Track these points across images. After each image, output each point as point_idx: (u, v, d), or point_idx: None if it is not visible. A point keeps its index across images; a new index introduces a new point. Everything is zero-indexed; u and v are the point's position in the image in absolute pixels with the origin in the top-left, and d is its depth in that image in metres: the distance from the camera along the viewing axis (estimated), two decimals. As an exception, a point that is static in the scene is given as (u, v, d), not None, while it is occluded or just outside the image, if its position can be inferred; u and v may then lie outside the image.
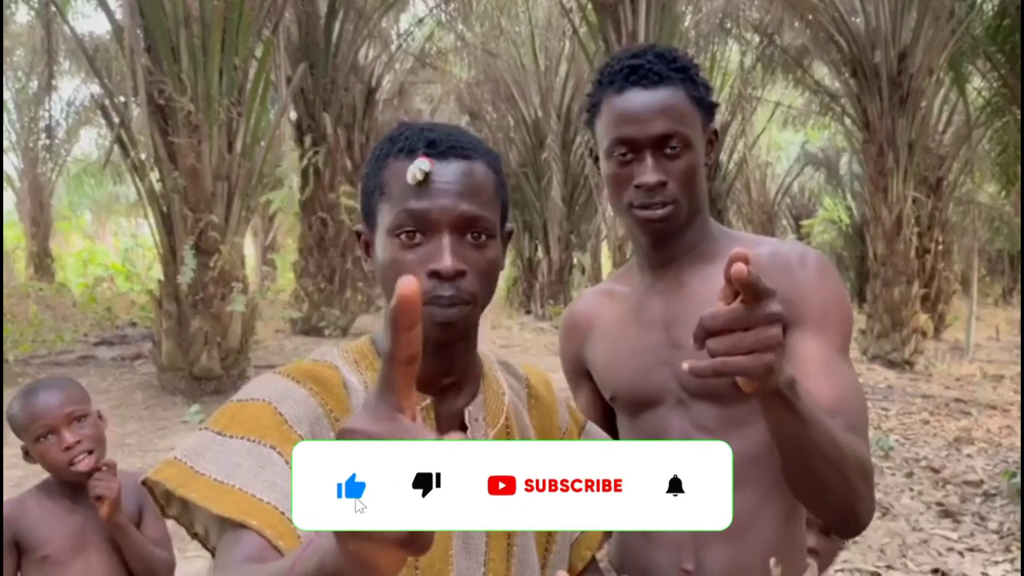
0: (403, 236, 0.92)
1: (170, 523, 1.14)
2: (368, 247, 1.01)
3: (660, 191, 1.19)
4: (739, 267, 0.77)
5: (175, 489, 0.85)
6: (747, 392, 0.93)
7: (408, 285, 0.52)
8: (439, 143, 0.94)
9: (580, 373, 1.42)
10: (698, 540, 1.22)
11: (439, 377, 1.01)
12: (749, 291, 0.80)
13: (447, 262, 0.90)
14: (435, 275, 0.90)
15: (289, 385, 0.94)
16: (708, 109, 1.25)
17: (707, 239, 1.28)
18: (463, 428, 1.02)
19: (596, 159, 1.31)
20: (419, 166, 0.91)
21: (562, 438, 1.14)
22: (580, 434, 1.18)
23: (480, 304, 0.95)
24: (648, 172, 1.19)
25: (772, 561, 1.20)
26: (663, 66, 1.20)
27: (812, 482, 1.03)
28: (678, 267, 1.28)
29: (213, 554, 0.89)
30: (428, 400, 1.00)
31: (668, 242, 1.26)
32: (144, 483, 0.89)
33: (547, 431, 1.12)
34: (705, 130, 1.25)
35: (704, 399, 1.23)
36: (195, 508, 0.86)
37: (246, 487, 0.84)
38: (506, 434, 1.05)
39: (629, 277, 1.39)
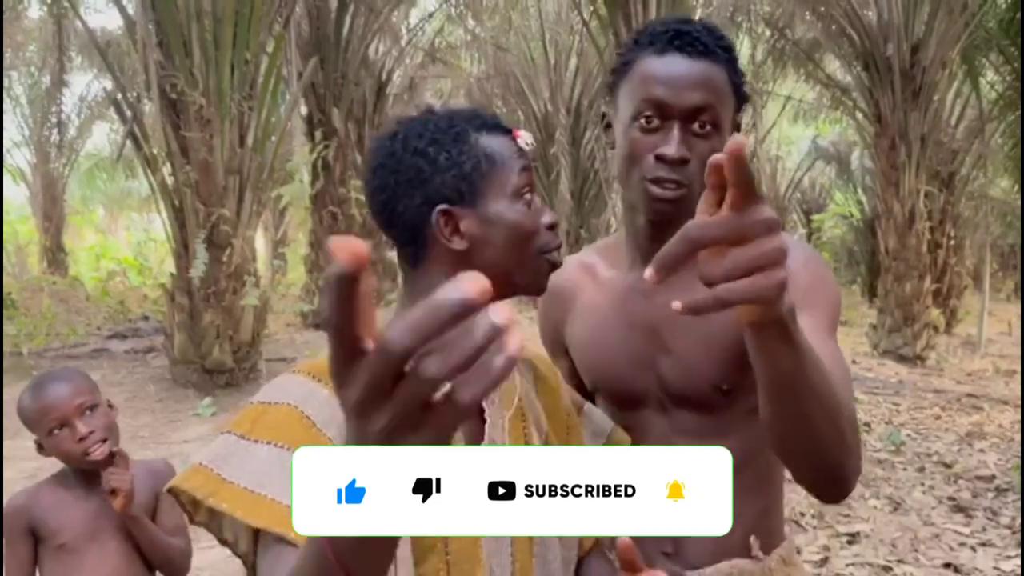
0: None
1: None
2: (456, 223, 0.97)
3: (680, 169, 1.11)
4: (738, 141, 0.62)
5: (205, 498, 0.83)
6: (746, 323, 0.78)
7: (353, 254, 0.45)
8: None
9: (559, 347, 1.38)
10: None
11: None
12: (740, 188, 0.64)
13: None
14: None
15: (311, 386, 0.92)
16: (741, 98, 1.18)
17: None
18: (481, 411, 1.02)
19: (608, 126, 1.23)
20: (526, 139, 1.02)
21: (568, 418, 1.15)
22: (580, 414, 1.19)
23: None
24: (673, 143, 1.10)
25: (752, 538, 1.23)
26: (711, 39, 1.13)
27: (804, 431, 0.89)
28: None
29: (244, 560, 0.88)
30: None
31: (667, 230, 1.18)
32: (170, 491, 0.88)
33: (555, 411, 1.13)
34: (735, 117, 1.18)
35: (686, 407, 1.21)
36: (225, 516, 0.84)
37: (279, 497, 0.82)
38: (520, 416, 1.06)
39: (616, 257, 1.30)
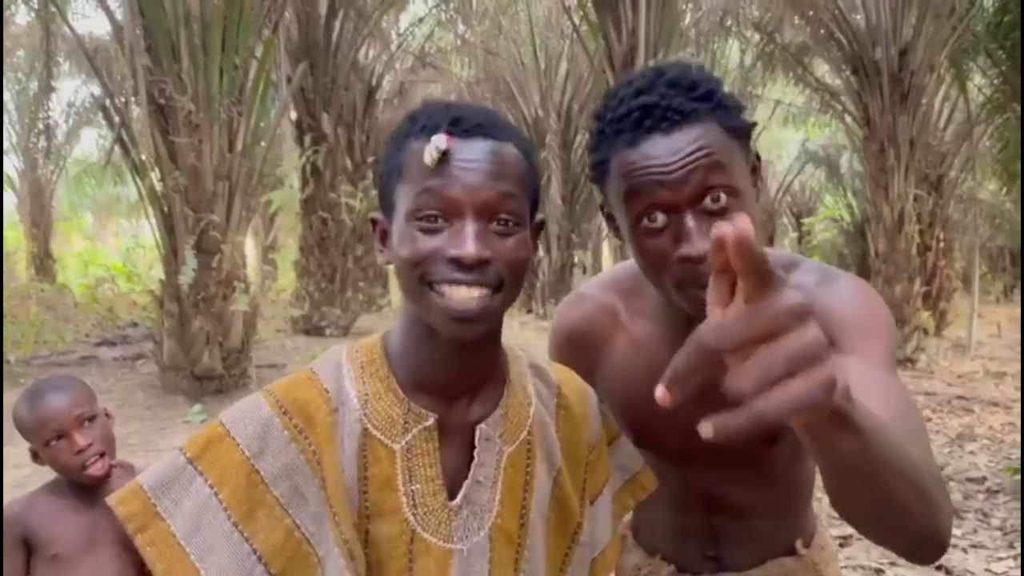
0: (423, 220, 0.83)
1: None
2: (384, 236, 0.92)
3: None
4: (741, 227, 0.49)
5: (134, 533, 0.83)
6: (794, 423, 0.64)
7: None
8: (465, 121, 0.85)
9: None
10: (719, 535, 1.25)
11: (454, 383, 0.93)
12: (752, 276, 0.51)
13: (470, 248, 0.81)
14: (456, 262, 0.81)
15: (274, 423, 0.87)
16: (747, 135, 0.98)
17: None
18: (471, 448, 0.93)
19: (609, 216, 1.06)
20: (435, 144, 0.82)
21: (589, 454, 1.06)
22: (610, 446, 1.11)
23: (507, 297, 0.86)
24: (694, 240, 0.91)
25: (798, 542, 1.25)
26: (682, 98, 0.92)
27: (886, 507, 0.74)
28: None
29: None
30: (432, 420, 0.91)
31: None
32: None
33: (574, 446, 1.04)
34: (747, 161, 0.99)
35: (735, 463, 1.16)
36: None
37: (199, 561, 0.83)
38: (527, 451, 0.98)
39: (641, 302, 1.17)
